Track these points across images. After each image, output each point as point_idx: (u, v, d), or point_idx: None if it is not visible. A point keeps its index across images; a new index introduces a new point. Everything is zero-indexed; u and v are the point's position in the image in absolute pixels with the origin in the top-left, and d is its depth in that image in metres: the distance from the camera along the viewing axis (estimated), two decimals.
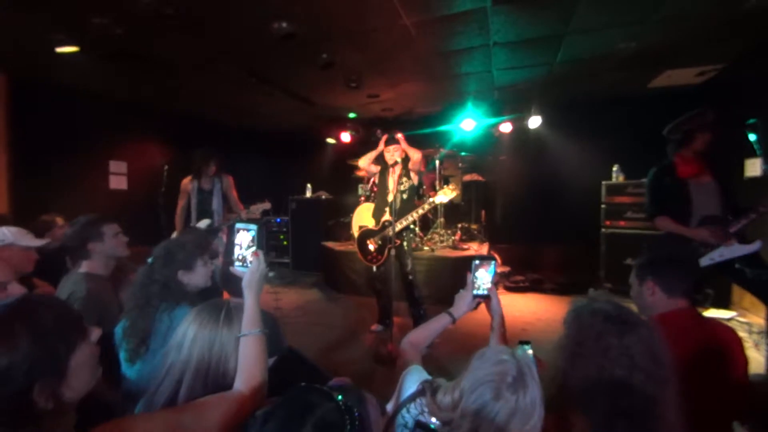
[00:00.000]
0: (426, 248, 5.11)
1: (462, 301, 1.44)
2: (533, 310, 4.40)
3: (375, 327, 3.80)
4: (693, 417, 0.93)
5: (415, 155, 3.48)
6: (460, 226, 5.61)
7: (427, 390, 0.89)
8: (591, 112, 5.49)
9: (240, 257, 1.27)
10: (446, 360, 3.01)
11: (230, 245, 1.30)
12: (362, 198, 5.79)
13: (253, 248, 1.28)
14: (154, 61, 3.92)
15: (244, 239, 1.29)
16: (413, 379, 1.03)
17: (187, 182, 3.90)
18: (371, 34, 3.43)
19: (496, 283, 1.46)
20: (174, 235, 3.81)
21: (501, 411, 0.76)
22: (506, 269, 5.53)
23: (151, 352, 1.42)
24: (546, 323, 3.96)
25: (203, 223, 3.72)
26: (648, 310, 1.50)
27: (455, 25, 3.27)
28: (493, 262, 1.46)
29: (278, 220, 6.74)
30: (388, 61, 4.09)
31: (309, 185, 6.73)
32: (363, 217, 5.38)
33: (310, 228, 6.40)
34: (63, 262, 3.15)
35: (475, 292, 1.44)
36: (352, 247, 5.46)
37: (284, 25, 3.03)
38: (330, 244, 5.79)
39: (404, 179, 3.54)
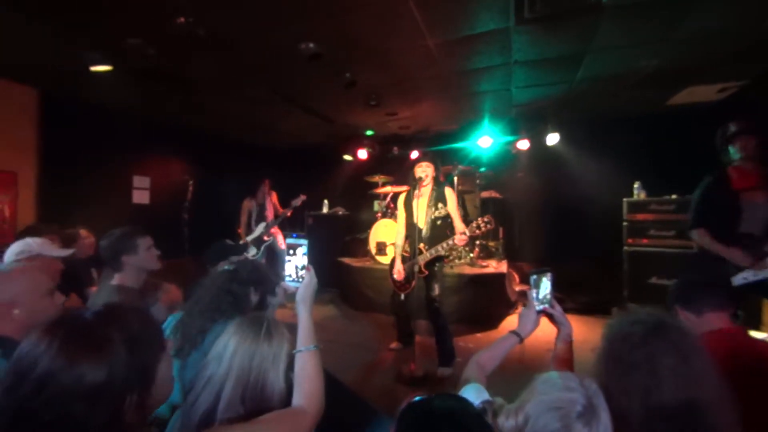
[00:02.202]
0: (444, 266, 5.06)
1: (527, 319, 1.41)
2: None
3: (395, 345, 3.74)
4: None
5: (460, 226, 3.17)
6: (478, 243, 5.56)
7: (488, 411, 0.86)
8: (610, 129, 5.45)
9: (296, 272, 1.27)
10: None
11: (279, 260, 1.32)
12: (379, 214, 5.79)
13: (305, 263, 1.29)
14: (183, 80, 4.04)
15: (298, 253, 1.30)
16: (470, 396, 1.00)
17: (247, 202, 5.07)
18: (394, 54, 3.50)
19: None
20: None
21: None
22: (525, 288, 5.43)
23: (193, 357, 1.40)
24: None
25: (261, 226, 4.96)
26: None
27: (477, 45, 3.32)
28: (549, 273, 1.42)
29: (294, 235, 6.77)
30: (409, 80, 4.16)
31: (326, 201, 6.76)
32: (380, 233, 5.41)
33: (327, 244, 6.37)
34: (88, 273, 3.21)
35: (538, 308, 1.41)
36: (370, 264, 5.45)
37: (312, 45, 3.11)
38: (347, 260, 5.77)
39: (440, 204, 3.24)
